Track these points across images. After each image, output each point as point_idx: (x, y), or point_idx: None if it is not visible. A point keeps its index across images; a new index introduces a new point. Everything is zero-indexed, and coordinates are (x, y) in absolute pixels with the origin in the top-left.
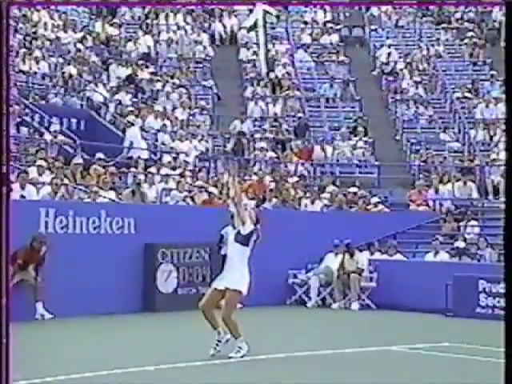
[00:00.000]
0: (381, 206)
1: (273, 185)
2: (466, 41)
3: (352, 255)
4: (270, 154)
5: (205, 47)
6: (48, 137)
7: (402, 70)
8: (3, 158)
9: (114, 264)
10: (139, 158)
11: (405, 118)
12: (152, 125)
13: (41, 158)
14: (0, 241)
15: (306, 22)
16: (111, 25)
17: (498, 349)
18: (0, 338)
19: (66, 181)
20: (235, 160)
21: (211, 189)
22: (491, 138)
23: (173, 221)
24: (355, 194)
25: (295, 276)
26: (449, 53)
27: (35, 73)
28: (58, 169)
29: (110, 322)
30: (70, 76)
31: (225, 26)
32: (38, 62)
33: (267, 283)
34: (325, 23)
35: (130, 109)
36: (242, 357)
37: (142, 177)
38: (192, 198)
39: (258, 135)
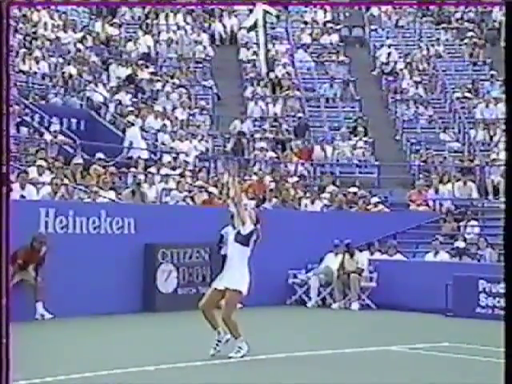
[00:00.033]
0: (381, 206)
1: (273, 185)
2: (466, 41)
3: (352, 255)
4: (270, 154)
5: (205, 47)
6: (48, 137)
7: (402, 70)
8: (3, 157)
9: (114, 264)
10: (139, 157)
11: (405, 117)
12: (152, 125)
13: (41, 158)
14: (0, 241)
15: (306, 22)
16: (111, 25)
17: (497, 349)
18: (0, 338)
19: (66, 181)
20: (235, 160)
21: (211, 189)
22: (491, 138)
23: (173, 221)
24: (355, 194)
25: (295, 276)
26: (449, 53)
27: (35, 73)
28: (58, 169)
29: (109, 322)
30: (70, 76)
31: (225, 26)
32: (38, 62)
33: (267, 283)
34: (325, 23)
35: (130, 109)
36: (241, 357)
37: (142, 177)
38: (192, 198)
39: (258, 135)
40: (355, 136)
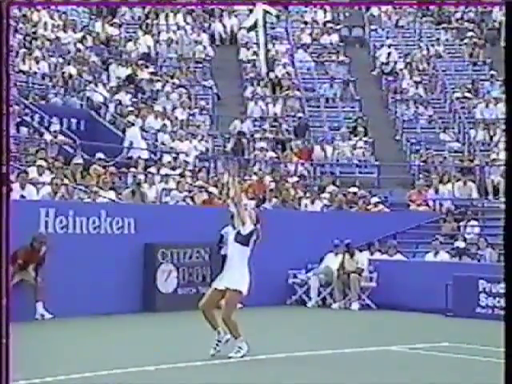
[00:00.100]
0: (381, 206)
1: (273, 185)
2: (465, 41)
3: (352, 255)
4: (270, 153)
5: (205, 47)
6: (48, 137)
7: (401, 70)
8: (3, 157)
9: (113, 264)
10: (139, 157)
11: (405, 117)
12: (152, 125)
13: (41, 158)
14: (0, 241)
15: (306, 22)
16: (111, 25)
17: (497, 349)
18: (0, 338)
19: (66, 181)
20: (235, 160)
21: (211, 189)
22: (491, 138)
23: (173, 221)
24: (355, 194)
25: (295, 276)
26: (449, 53)
27: (35, 73)
28: (58, 169)
29: (109, 322)
30: (70, 76)
31: (225, 26)
32: (38, 62)
33: (267, 283)
34: (325, 23)
35: (130, 109)
36: (241, 357)
37: (142, 177)
38: (192, 198)
39: (258, 135)
40: (355, 136)
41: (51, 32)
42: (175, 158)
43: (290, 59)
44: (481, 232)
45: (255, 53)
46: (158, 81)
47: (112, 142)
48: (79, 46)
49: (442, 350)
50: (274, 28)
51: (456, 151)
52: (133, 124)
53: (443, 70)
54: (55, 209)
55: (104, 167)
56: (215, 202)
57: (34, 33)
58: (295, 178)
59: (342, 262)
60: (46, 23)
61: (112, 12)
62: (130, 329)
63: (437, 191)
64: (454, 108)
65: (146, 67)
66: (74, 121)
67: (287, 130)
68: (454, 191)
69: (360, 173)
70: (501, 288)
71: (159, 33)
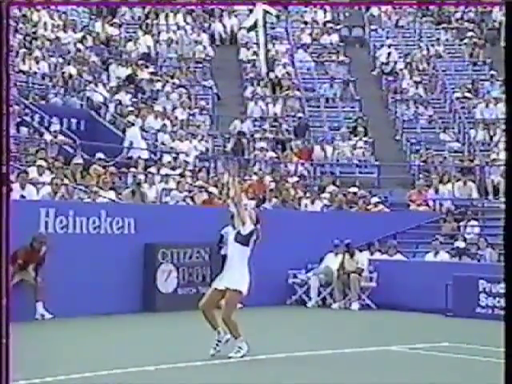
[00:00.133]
0: (381, 206)
1: (273, 185)
2: (465, 41)
3: (352, 255)
4: (270, 153)
5: (205, 47)
6: (48, 137)
7: (401, 70)
8: (3, 157)
9: (114, 264)
10: (139, 157)
11: (405, 117)
12: (152, 125)
13: (41, 158)
14: (0, 241)
15: (306, 22)
16: (111, 25)
17: (497, 349)
18: (0, 338)
19: (66, 181)
20: (235, 160)
21: (211, 189)
22: (491, 138)
23: (173, 221)
24: (355, 194)
25: (295, 276)
26: (449, 53)
27: (35, 73)
28: (58, 169)
29: (109, 321)
30: (70, 76)
31: (225, 26)
32: (37, 62)
33: (267, 283)
34: (325, 23)
35: (130, 109)
36: (241, 357)
37: (142, 177)
38: (192, 198)
39: (258, 135)
40: (355, 136)
41: (51, 32)
42: (175, 158)
43: (290, 59)
44: (481, 232)
45: (255, 53)
46: (158, 81)
47: (112, 142)
48: (79, 46)
49: (442, 350)
50: (274, 28)
51: (456, 151)
52: (133, 124)
53: (443, 70)
54: (55, 209)
55: (104, 167)
56: (215, 201)
57: (34, 33)
58: (295, 178)
59: (341, 262)
60: (45, 23)
61: (112, 12)
62: (130, 329)
63: (437, 191)
64: (454, 108)
65: (146, 67)
66: (74, 121)
67: (287, 130)
68: (453, 191)
69: (360, 173)
70: (501, 288)
71: (159, 33)
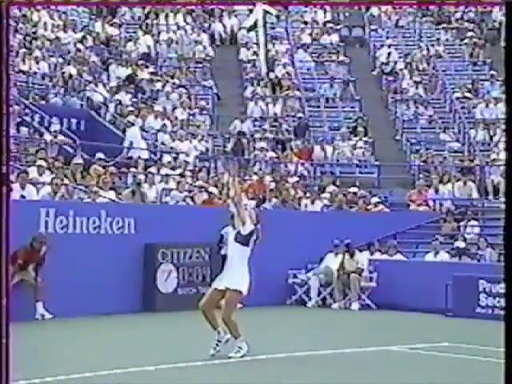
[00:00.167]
0: (381, 206)
1: (273, 185)
2: (466, 41)
3: (352, 255)
4: (270, 153)
5: (205, 47)
6: (48, 137)
7: (401, 70)
8: (3, 157)
9: (114, 264)
10: (139, 157)
11: (405, 117)
12: (152, 125)
13: (41, 158)
14: (0, 241)
15: (306, 22)
16: (111, 25)
17: (497, 349)
18: (0, 338)
19: (66, 181)
20: (235, 160)
21: (211, 189)
22: (491, 138)
23: (173, 221)
24: (355, 194)
25: (295, 276)
26: (449, 53)
27: (35, 73)
28: (58, 169)
29: (109, 321)
30: (70, 76)
31: (225, 26)
32: (37, 62)
33: (267, 283)
34: (325, 23)
35: (130, 109)
36: (241, 357)
37: (142, 177)
38: (192, 198)
39: (258, 135)
40: (355, 136)
41: (51, 32)
42: (175, 158)
43: (290, 59)
44: (481, 232)
45: (255, 53)
46: (158, 81)
47: (112, 142)
48: (79, 45)
49: (442, 350)
50: (274, 28)
51: (456, 151)
52: (133, 124)
53: (443, 70)
54: (55, 209)
55: (104, 167)
56: (215, 201)
57: (34, 33)
58: (295, 178)
59: (341, 262)
60: (45, 23)
61: (112, 12)
62: (130, 329)
63: (437, 191)
64: (454, 108)
65: (146, 67)
66: (74, 121)
67: (287, 130)
68: (454, 191)
69: (360, 173)
70: (501, 288)
71: (159, 33)
